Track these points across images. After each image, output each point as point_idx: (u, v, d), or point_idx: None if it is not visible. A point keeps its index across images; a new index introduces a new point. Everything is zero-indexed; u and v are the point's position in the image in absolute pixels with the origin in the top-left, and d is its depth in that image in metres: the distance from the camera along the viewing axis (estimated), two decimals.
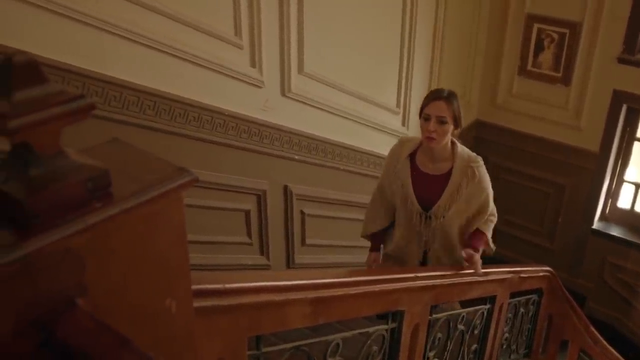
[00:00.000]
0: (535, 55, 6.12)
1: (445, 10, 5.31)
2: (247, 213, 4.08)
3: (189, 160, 3.21)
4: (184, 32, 3.13)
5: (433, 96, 3.02)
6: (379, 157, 4.92)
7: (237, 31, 3.43)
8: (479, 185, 3.14)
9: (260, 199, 4.11)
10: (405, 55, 5.06)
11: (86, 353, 0.90)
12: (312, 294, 1.93)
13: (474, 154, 3.16)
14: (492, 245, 3.41)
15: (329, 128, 4.42)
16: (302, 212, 4.56)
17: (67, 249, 0.91)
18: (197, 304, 1.20)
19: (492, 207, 3.29)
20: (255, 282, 1.70)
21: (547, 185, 6.61)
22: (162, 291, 1.08)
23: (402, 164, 3.18)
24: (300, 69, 3.96)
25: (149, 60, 3.02)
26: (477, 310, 3.47)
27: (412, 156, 3.18)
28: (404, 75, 5.15)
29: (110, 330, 0.91)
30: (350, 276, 2.30)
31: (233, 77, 3.49)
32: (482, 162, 3.15)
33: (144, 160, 1.07)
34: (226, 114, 3.48)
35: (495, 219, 3.34)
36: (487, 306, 3.55)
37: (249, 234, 4.17)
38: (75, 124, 0.92)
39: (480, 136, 6.67)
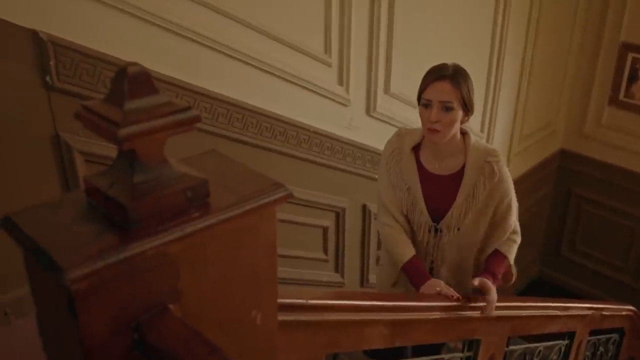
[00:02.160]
0: (629, 85, 5.91)
1: (536, 36, 5.21)
2: (325, 230, 4.10)
3: (273, 173, 3.24)
4: (275, 47, 3.19)
5: (434, 75, 2.34)
6: None
7: (327, 49, 3.47)
8: (500, 185, 2.46)
9: (339, 216, 4.13)
10: (492, 79, 4.98)
11: (176, 358, 0.92)
12: (391, 316, 1.91)
13: (494, 147, 2.52)
14: (514, 271, 2.76)
15: None
16: (378, 232, 4.53)
17: (165, 255, 0.93)
18: (279, 317, 1.21)
19: (514, 222, 2.60)
20: (337, 300, 1.70)
21: (634, 220, 6.35)
22: (249, 302, 1.10)
23: (407, 160, 2.51)
24: (387, 89, 3.96)
25: (240, 74, 3.08)
26: (554, 346, 3.36)
27: (415, 151, 2.54)
28: (489, 100, 5.08)
29: (201, 337, 0.93)
30: (429, 301, 2.27)
31: (320, 94, 3.53)
32: (502, 158, 2.49)
33: (240, 173, 1.09)
34: (311, 130, 3.52)
35: (519, 240, 2.65)
36: (566, 342, 3.44)
37: (325, 251, 4.18)
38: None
39: (565, 166, 6.49)
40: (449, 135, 2.35)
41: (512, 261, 2.65)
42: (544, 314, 3.04)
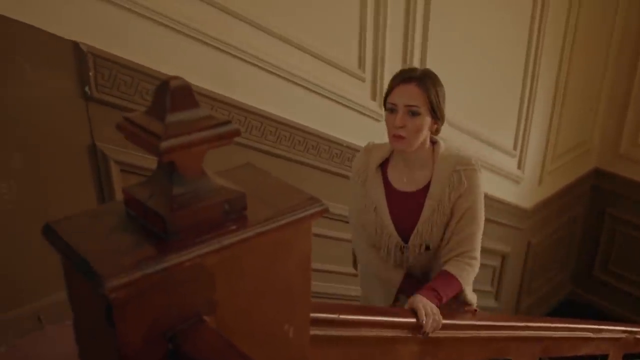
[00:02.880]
0: None
1: (572, 52, 5.17)
2: None
3: (304, 186, 3.25)
4: (309, 61, 3.21)
5: (401, 77, 2.18)
6: (492, 198, 4.82)
7: (361, 64, 3.49)
8: (467, 195, 2.25)
9: None
10: (527, 95, 4.95)
11: None
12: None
13: (469, 155, 2.29)
14: (473, 301, 2.47)
15: None
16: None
17: (201, 267, 0.94)
18: (311, 331, 1.21)
19: (475, 242, 2.32)
20: (369, 315, 1.70)
21: None
22: (282, 316, 1.10)
23: (372, 178, 2.36)
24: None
25: (274, 87, 3.11)
26: None
27: (382, 168, 2.38)
28: (523, 116, 5.04)
29: (235, 349, 0.94)
30: (460, 319, 2.25)
31: (353, 109, 3.54)
32: (477, 166, 2.26)
33: (276, 187, 1.10)
34: (344, 144, 3.53)
35: (476, 267, 2.33)
36: None
37: (356, 266, 4.16)
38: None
39: (599, 185, 6.41)
40: (416, 143, 2.18)
41: (467, 286, 2.36)
42: (576, 336, 3.00)
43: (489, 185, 4.86)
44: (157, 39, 2.61)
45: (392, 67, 3.66)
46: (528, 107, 5.01)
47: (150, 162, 2.66)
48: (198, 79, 2.78)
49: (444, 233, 2.32)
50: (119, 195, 2.64)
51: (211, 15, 2.75)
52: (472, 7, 4.07)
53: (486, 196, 4.81)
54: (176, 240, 0.93)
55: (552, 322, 2.91)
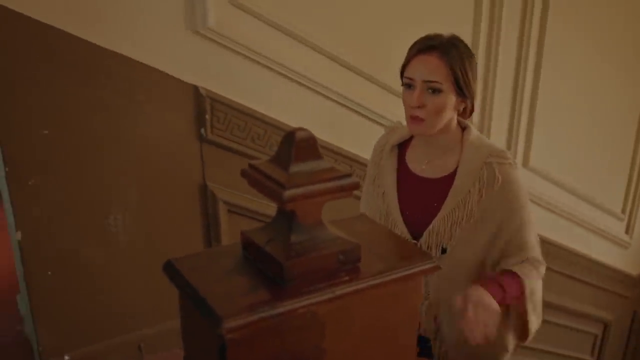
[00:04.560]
0: None
1: None
2: None
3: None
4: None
5: (419, 45, 1.76)
6: (596, 262, 4.64)
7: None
8: (504, 195, 1.78)
9: None
10: (638, 156, 4.76)
11: None
12: None
13: (500, 147, 1.86)
14: (532, 317, 1.85)
15: (547, 226, 4.25)
16: None
17: (313, 315, 0.97)
18: None
19: (534, 245, 1.86)
20: None
21: None
22: None
23: (387, 159, 1.95)
24: (526, 162, 3.88)
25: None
26: None
27: (401, 149, 1.96)
28: (634, 178, 4.85)
29: None
30: None
31: None
32: (512, 160, 1.82)
33: (389, 240, 1.12)
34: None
35: (542, 270, 1.86)
36: None
37: None
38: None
39: None
40: (437, 126, 1.75)
41: (529, 294, 1.79)
42: None
43: (597, 250, 4.69)
44: (271, 87, 2.71)
45: (499, 121, 3.63)
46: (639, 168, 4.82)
47: (257, 205, 2.75)
48: (309, 127, 2.84)
49: (472, 242, 1.83)
50: (225, 234, 2.73)
51: (322, 65, 2.83)
52: (587, 56, 3.98)
53: (590, 259, 4.66)
54: (291, 287, 0.96)
55: None
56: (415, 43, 1.76)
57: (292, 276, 0.96)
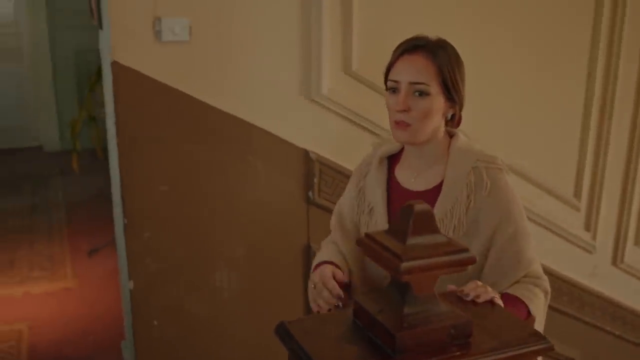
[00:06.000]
0: None
1: None
2: None
3: None
4: (522, 185, 3.18)
5: (405, 46, 1.64)
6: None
7: (577, 193, 3.39)
8: (494, 202, 1.62)
9: None
10: None
11: None
12: None
13: (491, 153, 1.71)
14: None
15: None
16: None
17: None
18: None
19: (531, 259, 1.65)
20: None
21: None
22: None
23: (374, 172, 1.79)
24: (638, 240, 3.72)
25: None
26: None
27: (390, 162, 1.82)
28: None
29: None
30: None
31: (564, 237, 3.41)
32: (502, 165, 1.67)
33: (501, 318, 1.12)
34: (552, 273, 3.40)
35: (546, 286, 1.64)
36: None
37: None
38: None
39: None
40: (423, 132, 1.62)
41: (537, 317, 1.59)
42: None
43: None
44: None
45: (610, 198, 3.51)
46: None
47: None
48: None
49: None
50: None
51: None
52: None
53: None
54: (401, 359, 0.97)
55: None
56: (401, 44, 1.65)
57: (403, 348, 0.97)
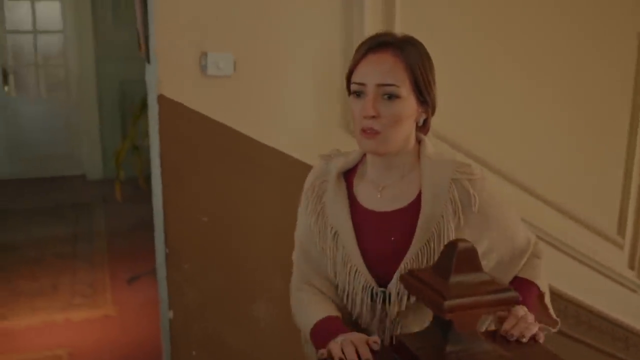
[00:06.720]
0: None
1: None
2: None
3: None
4: (565, 223, 3.14)
5: (369, 44, 1.44)
6: None
7: (620, 230, 3.33)
8: (484, 216, 1.44)
9: None
10: None
11: None
12: None
13: (462, 160, 1.55)
14: (552, 311, 1.53)
15: None
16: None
17: None
18: None
19: (521, 238, 1.53)
20: None
21: None
22: None
23: (332, 190, 1.56)
24: None
25: None
26: None
27: (348, 179, 1.58)
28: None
29: None
30: None
31: (607, 276, 3.35)
32: (481, 173, 1.47)
33: (543, 357, 1.10)
34: (594, 312, 3.33)
35: (541, 255, 1.58)
36: None
37: None
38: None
39: None
40: (394, 140, 1.43)
41: (545, 291, 1.53)
42: None
43: None
44: None
45: None
46: None
47: None
48: None
49: None
50: None
51: None
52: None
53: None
54: None
55: None
56: (364, 42, 1.46)
57: None
